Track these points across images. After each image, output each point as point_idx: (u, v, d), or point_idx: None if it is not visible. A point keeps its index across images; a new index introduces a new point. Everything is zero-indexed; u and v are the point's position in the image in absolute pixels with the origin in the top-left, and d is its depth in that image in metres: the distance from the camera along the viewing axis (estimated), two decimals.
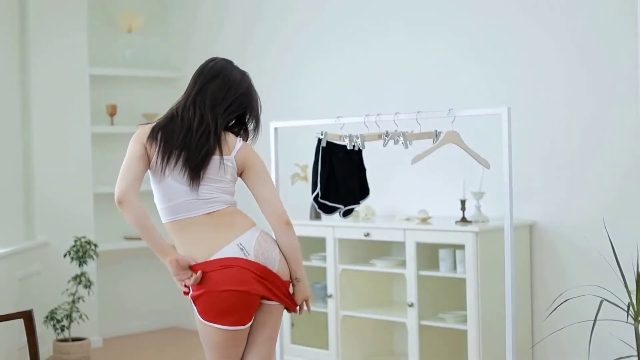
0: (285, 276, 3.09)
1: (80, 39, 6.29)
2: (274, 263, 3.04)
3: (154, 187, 3.10)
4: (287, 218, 3.09)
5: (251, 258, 2.99)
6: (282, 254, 3.09)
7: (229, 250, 2.99)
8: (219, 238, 3.01)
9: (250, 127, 3.20)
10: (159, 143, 3.03)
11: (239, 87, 3.13)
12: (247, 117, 3.18)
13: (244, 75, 3.18)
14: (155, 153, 3.03)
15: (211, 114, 3.05)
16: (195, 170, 3.01)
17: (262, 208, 3.11)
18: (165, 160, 3.02)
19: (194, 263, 3.00)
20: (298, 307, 3.18)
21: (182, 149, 3.01)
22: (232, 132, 3.14)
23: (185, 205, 3.03)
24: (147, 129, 3.07)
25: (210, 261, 2.99)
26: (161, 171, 3.03)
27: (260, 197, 3.10)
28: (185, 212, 3.04)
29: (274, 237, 3.11)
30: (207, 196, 3.04)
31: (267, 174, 3.12)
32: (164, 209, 3.08)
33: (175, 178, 3.03)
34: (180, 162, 3.01)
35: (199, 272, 2.98)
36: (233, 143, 3.09)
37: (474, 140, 4.12)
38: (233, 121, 3.16)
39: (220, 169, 3.04)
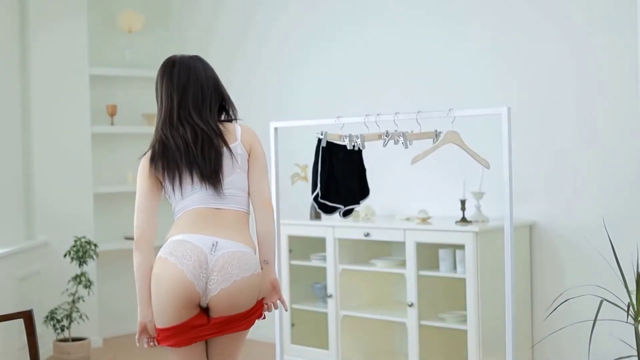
0: (232, 304, 2.90)
1: (80, 39, 6.29)
2: (226, 280, 2.88)
3: (170, 197, 3.06)
4: (270, 200, 3.06)
5: (211, 259, 2.89)
6: (257, 254, 2.99)
7: (202, 241, 2.92)
8: (207, 230, 2.95)
9: (229, 107, 3.14)
10: (164, 174, 2.99)
11: (208, 82, 3.07)
12: (224, 102, 3.13)
13: (203, 65, 3.11)
14: (165, 182, 3.01)
15: (201, 121, 3.01)
16: (214, 176, 2.98)
17: (250, 188, 3.06)
18: (178, 186, 2.99)
19: (155, 334, 2.96)
20: (272, 305, 3.03)
21: (192, 167, 2.98)
22: (221, 120, 3.11)
23: (201, 199, 3.00)
24: (147, 161, 3.02)
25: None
26: (180, 194, 3.00)
27: (250, 177, 3.05)
28: (198, 204, 2.99)
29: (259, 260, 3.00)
30: (223, 193, 3.00)
31: (264, 158, 3.09)
32: (180, 207, 3.03)
33: (194, 190, 3.00)
34: (196, 178, 2.98)
35: (154, 342, 2.97)
36: (233, 129, 3.07)
37: (474, 140, 4.12)
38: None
39: (234, 162, 3.01)
